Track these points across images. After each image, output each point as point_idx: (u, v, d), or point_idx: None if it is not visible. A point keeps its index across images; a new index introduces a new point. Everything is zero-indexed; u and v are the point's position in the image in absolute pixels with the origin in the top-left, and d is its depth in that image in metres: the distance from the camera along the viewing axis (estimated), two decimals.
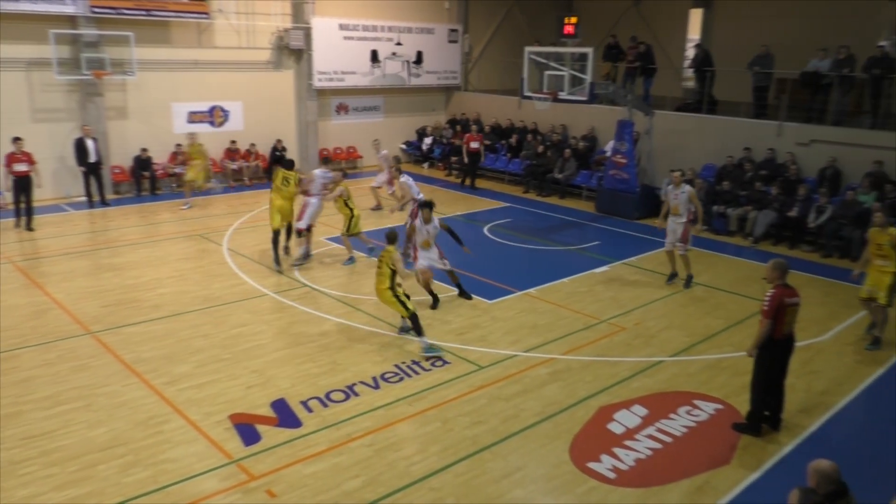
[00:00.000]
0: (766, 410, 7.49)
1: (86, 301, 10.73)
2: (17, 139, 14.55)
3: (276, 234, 12.38)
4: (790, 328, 7.25)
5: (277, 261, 12.34)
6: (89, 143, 16.31)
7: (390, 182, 16.02)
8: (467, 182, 20.40)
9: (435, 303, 10.77)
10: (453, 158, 22.20)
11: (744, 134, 16.82)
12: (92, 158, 16.37)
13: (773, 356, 7.27)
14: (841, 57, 15.72)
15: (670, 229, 11.87)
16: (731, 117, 17.31)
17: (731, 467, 6.85)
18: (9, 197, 15.18)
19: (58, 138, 16.92)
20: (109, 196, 17.28)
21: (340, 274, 12.25)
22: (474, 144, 19.98)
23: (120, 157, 18.08)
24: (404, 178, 13.84)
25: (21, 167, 14.50)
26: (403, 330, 9.71)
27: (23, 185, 14.54)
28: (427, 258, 10.71)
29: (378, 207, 17.21)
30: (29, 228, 14.63)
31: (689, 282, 12.01)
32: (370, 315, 10.39)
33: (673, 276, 12.19)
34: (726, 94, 18.58)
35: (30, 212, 14.71)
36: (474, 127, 21.15)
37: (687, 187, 11.74)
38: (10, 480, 6.32)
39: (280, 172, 12.56)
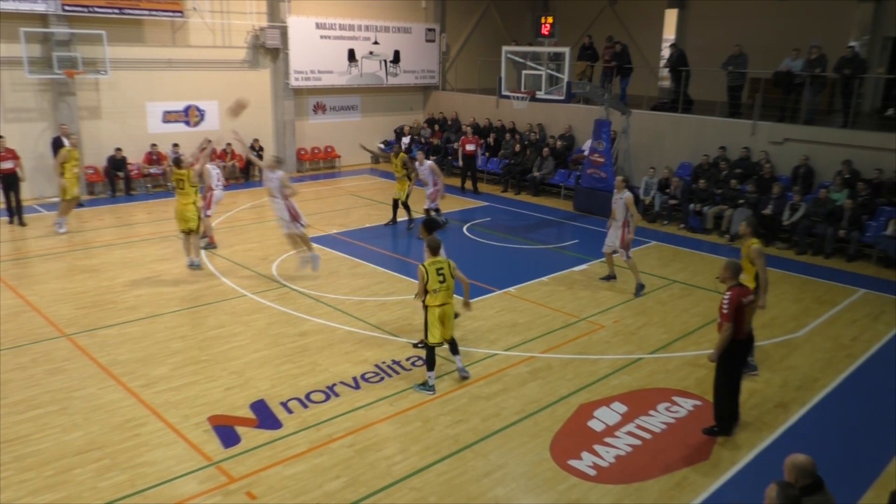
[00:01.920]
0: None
1: (60, 303, 10.57)
2: None
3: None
4: (749, 326, 7.33)
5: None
6: (66, 143, 16.06)
7: (208, 204, 13.11)
8: (468, 185, 19.83)
9: None
10: (432, 157, 22.17)
11: (719, 133, 17.02)
12: None
13: (736, 357, 7.31)
14: (812, 57, 15.95)
15: (610, 232, 11.63)
16: (707, 116, 17.49)
17: (709, 463, 6.93)
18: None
19: (30, 138, 16.65)
20: (84, 197, 17.02)
21: (319, 274, 12.18)
22: (470, 147, 19.87)
23: (93, 157, 17.83)
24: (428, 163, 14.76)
25: (6, 164, 14.66)
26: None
27: (10, 183, 14.74)
28: None
29: (212, 244, 13.56)
30: (21, 224, 14.89)
31: (638, 290, 11.56)
32: (350, 315, 10.36)
33: (609, 278, 12.06)
34: (701, 94, 18.79)
35: (20, 208, 14.97)
36: (469, 129, 20.98)
37: (626, 193, 11.30)
38: None
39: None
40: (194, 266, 12.07)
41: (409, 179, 15.05)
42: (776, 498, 4.23)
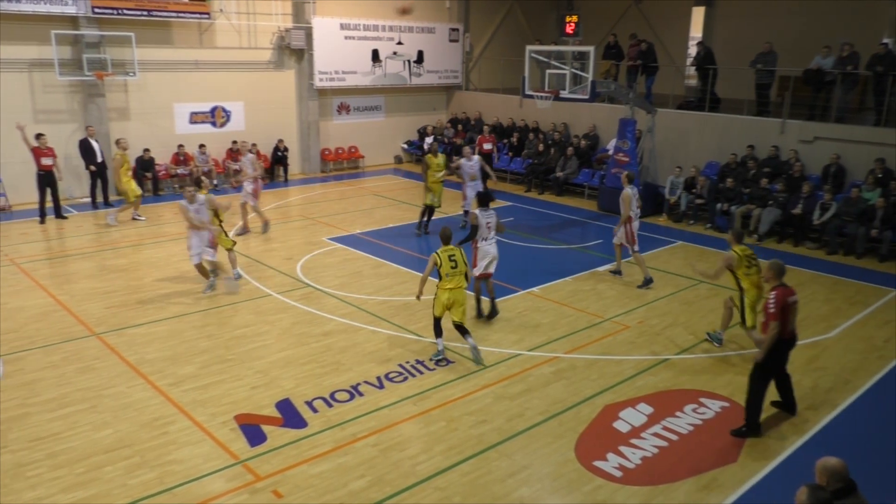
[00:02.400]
0: (778, 398, 7.66)
1: (90, 302, 10.73)
2: (40, 135, 15.20)
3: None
4: (793, 325, 7.28)
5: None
6: (94, 144, 16.37)
7: (256, 193, 14.43)
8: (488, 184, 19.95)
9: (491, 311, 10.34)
10: (454, 158, 22.14)
11: (746, 131, 16.80)
12: (99, 158, 16.45)
13: (776, 356, 7.28)
14: (844, 54, 15.68)
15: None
16: (734, 115, 17.28)
17: (738, 465, 6.84)
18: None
19: (60, 139, 16.88)
20: (113, 197, 17.26)
21: (343, 274, 12.24)
22: (487, 146, 19.85)
23: None
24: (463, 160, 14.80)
25: (48, 161, 15.18)
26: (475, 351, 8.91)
27: (49, 180, 15.23)
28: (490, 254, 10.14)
29: (245, 230, 14.72)
30: (60, 217, 15.57)
31: (645, 283, 11.76)
32: (373, 315, 10.38)
33: (615, 273, 12.36)
34: (729, 92, 18.56)
35: (58, 204, 15.60)
36: (486, 128, 20.96)
37: (624, 190, 11.61)
38: (18, 482, 6.32)
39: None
40: (236, 278, 11.86)
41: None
42: (806, 501, 4.16)
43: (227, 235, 11.67)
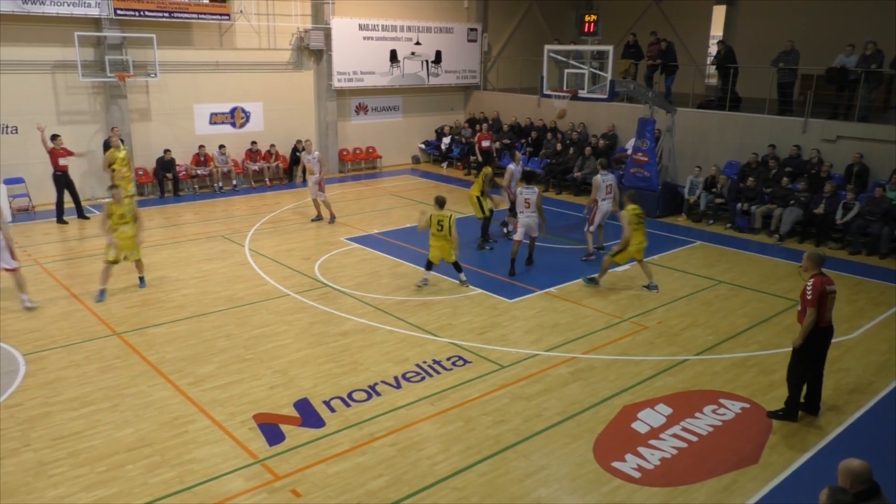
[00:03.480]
0: (802, 398, 7.63)
1: (111, 302, 10.85)
2: (56, 136, 15.47)
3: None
4: (830, 316, 7.30)
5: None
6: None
7: (320, 185, 15.49)
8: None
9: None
10: (472, 157, 22.16)
11: (768, 130, 16.63)
12: None
13: (814, 345, 7.34)
14: (868, 52, 15.47)
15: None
16: (755, 114, 17.10)
17: (758, 467, 6.77)
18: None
19: (82, 140, 17.12)
20: (136, 197, 17.39)
21: (360, 274, 12.27)
22: (485, 143, 19.79)
23: (143, 158, 18.26)
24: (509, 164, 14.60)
25: (65, 162, 15.43)
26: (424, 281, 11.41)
27: (66, 181, 15.46)
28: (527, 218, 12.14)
29: (319, 217, 15.98)
30: (82, 217, 15.76)
31: (585, 255, 13.40)
32: (390, 315, 10.40)
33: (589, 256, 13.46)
34: (750, 91, 18.38)
35: (79, 204, 15.81)
36: (485, 125, 20.93)
37: (595, 176, 13.31)
38: (41, 481, 6.40)
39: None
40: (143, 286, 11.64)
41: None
42: (827, 503, 4.11)
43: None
